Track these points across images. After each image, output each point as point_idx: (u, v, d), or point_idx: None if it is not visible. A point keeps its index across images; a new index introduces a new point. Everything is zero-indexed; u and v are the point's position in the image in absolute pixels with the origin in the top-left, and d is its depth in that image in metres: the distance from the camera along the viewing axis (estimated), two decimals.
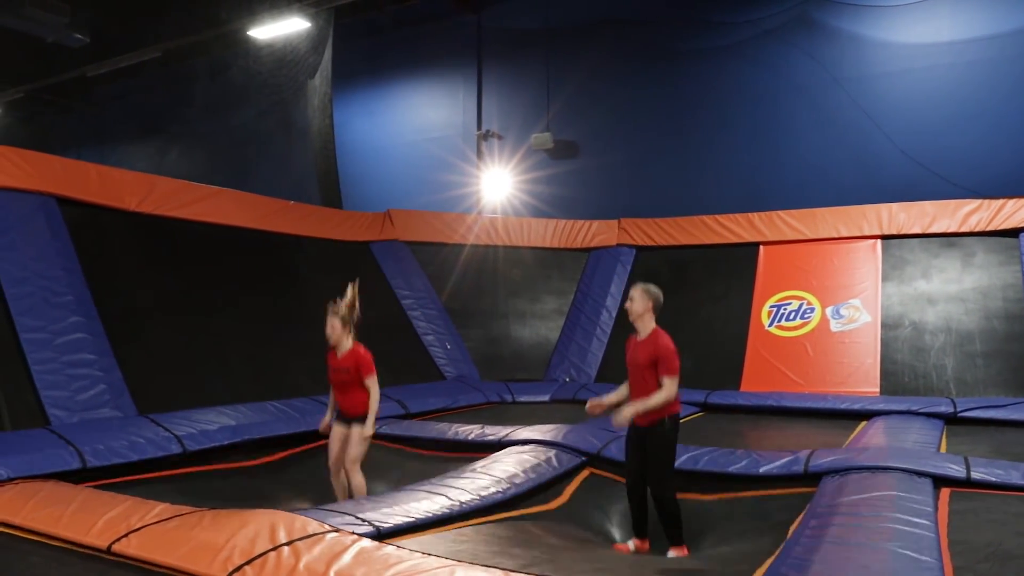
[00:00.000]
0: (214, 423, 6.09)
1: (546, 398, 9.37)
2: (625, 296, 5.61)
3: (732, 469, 5.41)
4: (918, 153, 9.68)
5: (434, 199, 12.40)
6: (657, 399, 4.58)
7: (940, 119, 9.61)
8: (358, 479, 5.13)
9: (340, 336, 5.27)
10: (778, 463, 5.34)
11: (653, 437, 4.69)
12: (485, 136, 12.95)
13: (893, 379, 8.33)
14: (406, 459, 6.38)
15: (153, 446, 5.47)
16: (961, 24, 9.57)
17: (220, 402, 6.53)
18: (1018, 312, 8.23)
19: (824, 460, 5.19)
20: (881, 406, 7.68)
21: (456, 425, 6.83)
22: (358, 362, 5.20)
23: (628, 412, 4.63)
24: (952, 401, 7.47)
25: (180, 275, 7.45)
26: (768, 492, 5.21)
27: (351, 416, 5.20)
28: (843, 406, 7.85)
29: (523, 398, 9.33)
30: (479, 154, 13.03)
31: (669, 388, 4.62)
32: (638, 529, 4.93)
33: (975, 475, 4.76)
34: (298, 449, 6.39)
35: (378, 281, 9.83)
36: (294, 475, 5.97)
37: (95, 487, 4.83)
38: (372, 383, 5.22)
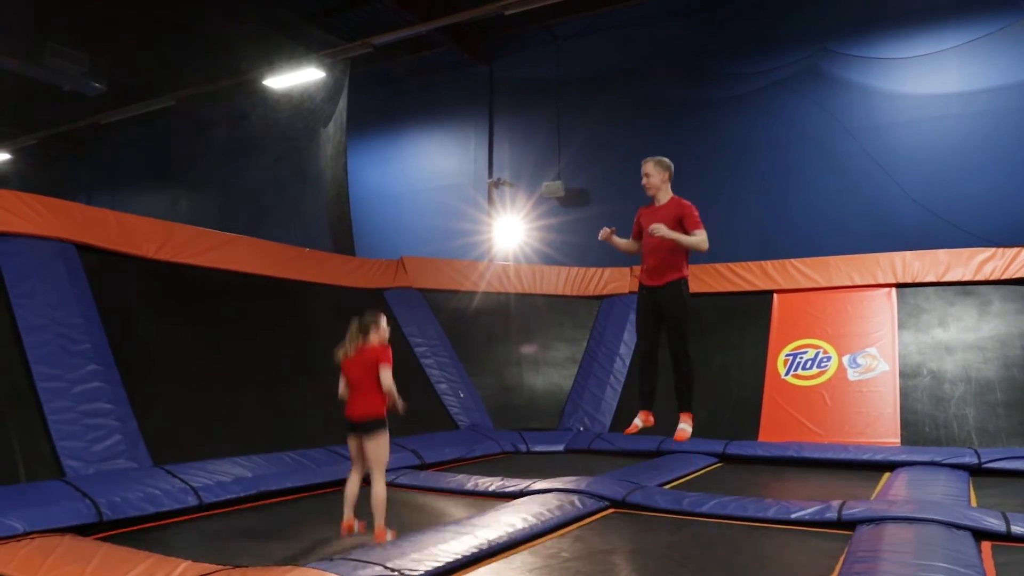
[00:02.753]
0: (229, 474, 5.99)
1: (560, 448, 9.28)
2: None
3: (763, 515, 5.32)
4: (930, 202, 9.72)
5: (446, 247, 12.43)
6: (695, 239, 4.86)
7: (951, 168, 9.68)
8: (381, 490, 4.79)
9: None
10: (809, 511, 5.25)
11: (673, 296, 5.05)
12: (496, 184, 13.03)
13: (914, 429, 8.22)
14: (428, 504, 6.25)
15: (170, 498, 5.37)
16: (968, 76, 9.69)
17: (235, 452, 6.44)
18: None
19: (857, 509, 5.10)
20: (904, 457, 7.58)
21: (475, 477, 6.72)
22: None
23: (664, 230, 4.90)
24: (976, 452, 7.37)
25: (196, 322, 7.41)
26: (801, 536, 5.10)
27: (361, 422, 4.90)
28: (865, 457, 7.73)
29: (537, 448, 9.24)
30: (490, 202, 13.10)
31: (703, 235, 5.03)
32: (647, 401, 5.22)
33: (1015, 529, 4.67)
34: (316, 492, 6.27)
35: (391, 329, 9.74)
36: (314, 514, 5.79)
37: (111, 537, 4.74)
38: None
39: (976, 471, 7.11)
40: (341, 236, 10.94)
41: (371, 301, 9.91)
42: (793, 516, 5.26)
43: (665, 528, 5.20)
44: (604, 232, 5.43)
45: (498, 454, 8.86)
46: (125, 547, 4.34)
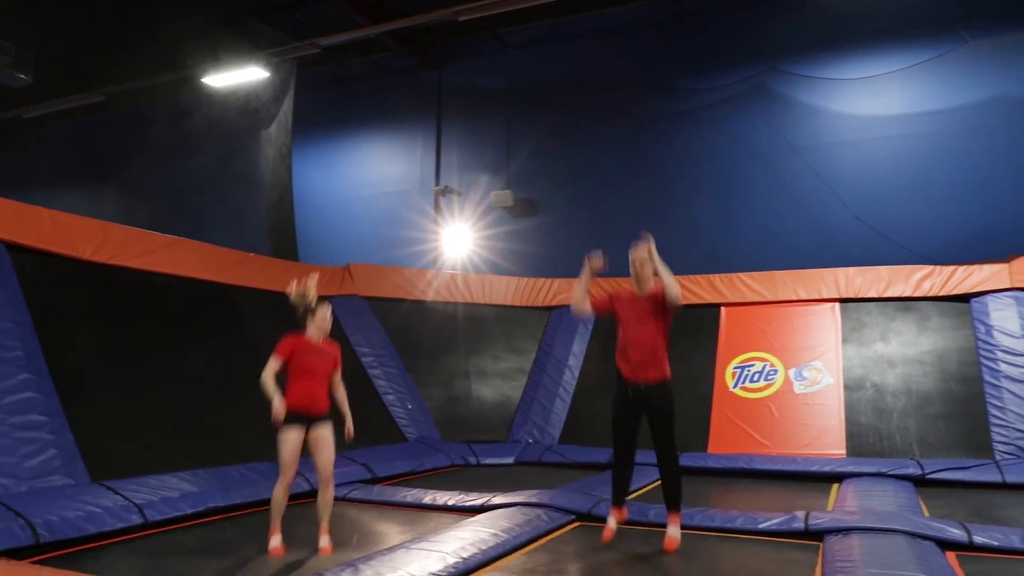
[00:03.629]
0: (175, 490, 5.65)
1: (511, 460, 9.16)
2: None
3: (731, 526, 5.32)
4: (872, 219, 10.01)
5: (393, 255, 12.15)
6: (672, 282, 4.69)
7: (892, 187, 10.00)
8: (331, 493, 4.77)
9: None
10: (776, 521, 5.27)
11: (662, 397, 4.74)
12: (444, 192, 12.85)
13: (859, 441, 8.41)
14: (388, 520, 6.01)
15: (112, 516, 5.00)
16: (910, 99, 10.05)
17: (178, 467, 6.08)
18: (973, 375, 8.46)
19: (824, 519, 5.15)
20: (851, 468, 7.73)
21: (433, 491, 6.52)
22: (338, 353, 5.01)
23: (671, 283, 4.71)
24: (919, 463, 7.58)
25: (136, 329, 7.00)
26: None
27: (318, 413, 4.78)
28: (814, 468, 7.86)
29: (488, 460, 9.10)
30: (437, 210, 12.91)
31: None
32: (619, 498, 4.97)
33: (977, 539, 4.77)
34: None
35: (337, 338, 9.46)
36: (264, 530, 5.48)
37: (50, 560, 4.38)
38: (340, 378, 5.03)
39: (920, 482, 7.32)
40: (284, 242, 10.57)
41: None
42: (761, 526, 5.28)
43: (635, 540, 5.13)
44: (596, 262, 5.01)
45: (448, 467, 8.68)
46: (65, 571, 4.00)
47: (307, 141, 13.29)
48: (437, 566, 4.10)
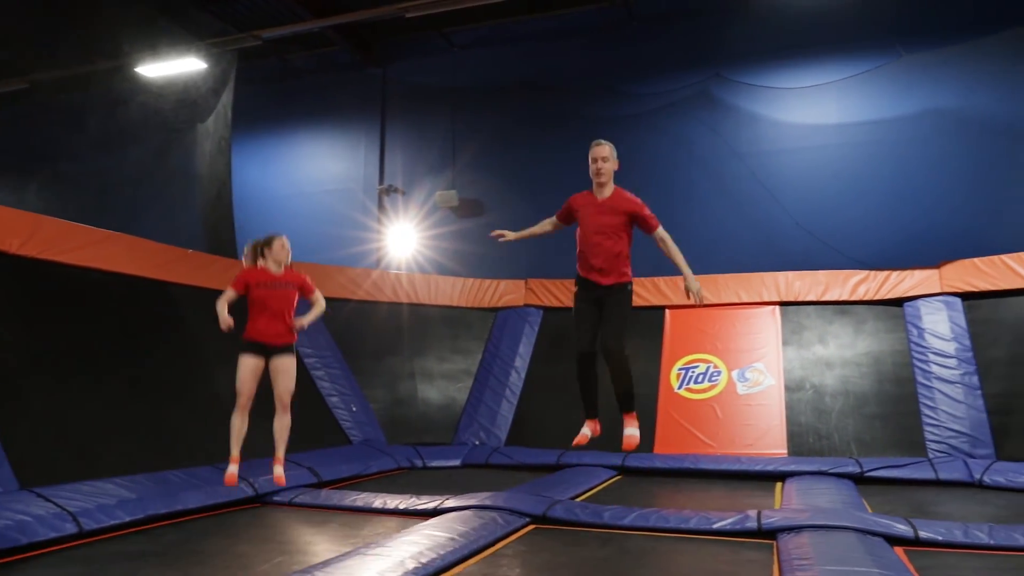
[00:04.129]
0: (112, 496, 5.35)
1: (458, 462, 9.07)
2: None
3: (686, 527, 5.35)
4: (811, 225, 10.29)
5: (337, 255, 11.89)
6: (683, 262, 4.86)
7: (830, 194, 10.31)
8: (287, 420, 4.64)
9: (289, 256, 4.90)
10: (729, 521, 5.32)
11: (618, 296, 4.80)
12: (387, 191, 12.66)
13: (799, 440, 8.61)
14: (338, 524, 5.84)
15: (44, 526, 4.70)
16: (847, 109, 10.39)
17: (115, 472, 5.78)
18: (907, 376, 8.77)
19: (776, 518, 5.21)
20: (793, 467, 7.92)
21: (382, 495, 6.37)
22: (302, 279, 4.86)
23: (695, 286, 4.86)
24: (858, 461, 7.80)
25: (66, 327, 6.62)
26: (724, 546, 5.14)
27: (278, 345, 4.67)
28: (757, 468, 8.02)
29: (434, 463, 8.97)
30: (381, 209, 12.70)
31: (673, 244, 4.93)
32: (593, 409, 5.00)
33: (923, 534, 4.91)
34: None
35: None
36: (208, 536, 5.26)
37: None
38: (320, 296, 4.88)
39: (859, 479, 7.54)
40: (222, 238, 10.19)
41: None
42: (715, 526, 5.32)
43: (592, 542, 5.10)
44: (497, 232, 5.20)
45: (395, 470, 8.53)
46: None
47: (248, 136, 12.89)
48: (395, 573, 3.98)
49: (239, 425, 4.61)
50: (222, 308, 4.64)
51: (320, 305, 4.82)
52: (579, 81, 11.76)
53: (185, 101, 10.33)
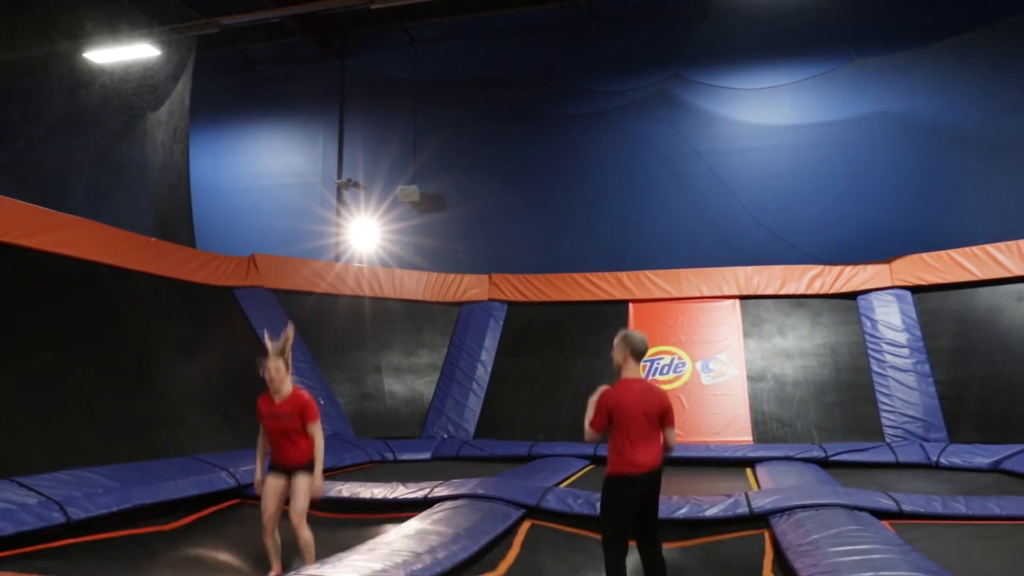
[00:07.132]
0: (97, 486, 5.14)
1: (428, 455, 9.02)
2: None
3: (678, 515, 5.44)
4: (768, 221, 10.63)
5: (297, 248, 11.64)
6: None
7: (786, 192, 10.68)
8: (306, 534, 4.51)
9: (284, 380, 4.69)
10: (721, 506, 5.44)
11: (658, 481, 4.23)
12: (346, 185, 12.48)
13: (763, 428, 8.87)
14: (333, 523, 5.73)
15: (32, 515, 4.50)
16: (801, 110, 10.79)
17: (93, 461, 5.55)
18: (862, 366, 9.14)
19: (765, 501, 5.36)
20: (761, 453, 8.17)
21: (369, 484, 6.29)
22: (302, 407, 4.65)
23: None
24: (822, 447, 8.09)
25: (34, 313, 6.32)
26: (717, 538, 5.26)
27: (293, 465, 4.59)
28: (727, 454, 8.24)
29: (405, 456, 8.90)
30: (341, 202, 12.52)
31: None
32: None
33: (905, 508, 5.15)
34: (201, 514, 5.56)
35: (244, 330, 9.01)
36: (201, 541, 5.13)
37: None
38: (318, 430, 4.68)
39: (825, 464, 7.81)
40: (179, 229, 9.85)
41: (220, 299, 9.11)
42: (708, 513, 5.40)
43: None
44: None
45: (367, 463, 8.42)
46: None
47: (206, 126, 12.52)
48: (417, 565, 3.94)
49: (270, 544, 4.55)
50: (258, 459, 4.80)
51: (319, 445, 4.61)
52: (541, 78, 11.86)
53: (139, 88, 9.97)
